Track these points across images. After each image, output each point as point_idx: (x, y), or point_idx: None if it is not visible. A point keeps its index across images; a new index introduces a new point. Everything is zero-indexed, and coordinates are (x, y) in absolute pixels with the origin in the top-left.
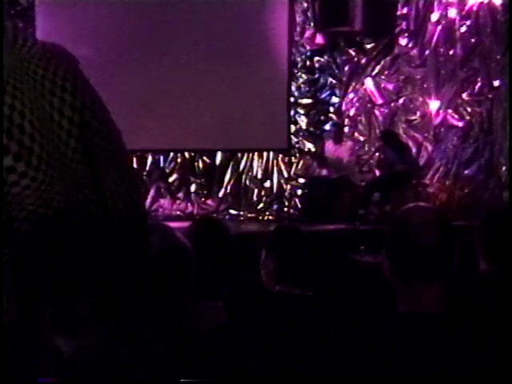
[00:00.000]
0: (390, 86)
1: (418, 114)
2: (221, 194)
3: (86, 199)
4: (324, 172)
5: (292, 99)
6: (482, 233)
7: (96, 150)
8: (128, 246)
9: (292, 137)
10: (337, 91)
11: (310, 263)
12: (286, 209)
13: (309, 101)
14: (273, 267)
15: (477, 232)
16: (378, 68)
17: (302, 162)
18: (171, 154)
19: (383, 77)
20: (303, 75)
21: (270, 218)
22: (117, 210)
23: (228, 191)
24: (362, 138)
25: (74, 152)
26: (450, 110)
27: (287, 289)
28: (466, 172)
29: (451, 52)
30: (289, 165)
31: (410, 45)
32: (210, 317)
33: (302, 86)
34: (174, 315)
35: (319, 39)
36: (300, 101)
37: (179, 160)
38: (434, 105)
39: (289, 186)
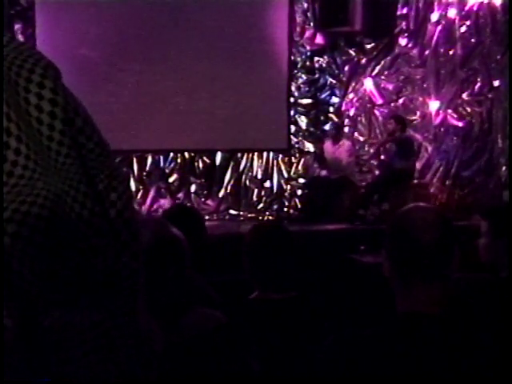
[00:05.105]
0: (390, 86)
1: (418, 114)
2: (221, 194)
3: (80, 194)
4: (324, 172)
5: (292, 99)
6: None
7: (84, 151)
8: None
9: (292, 137)
10: (337, 91)
11: (293, 264)
12: (285, 209)
13: (309, 101)
14: (249, 271)
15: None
16: (378, 68)
17: (301, 162)
18: (171, 154)
19: (383, 77)
20: (303, 75)
21: (270, 218)
22: (109, 214)
23: (228, 191)
24: (361, 138)
25: (59, 145)
26: (449, 110)
27: (265, 295)
28: (465, 172)
29: (451, 52)
30: (289, 165)
31: (409, 45)
32: (205, 319)
33: (302, 86)
34: (170, 310)
35: (319, 39)
36: (300, 101)
37: (179, 160)
38: (433, 105)
39: (289, 186)
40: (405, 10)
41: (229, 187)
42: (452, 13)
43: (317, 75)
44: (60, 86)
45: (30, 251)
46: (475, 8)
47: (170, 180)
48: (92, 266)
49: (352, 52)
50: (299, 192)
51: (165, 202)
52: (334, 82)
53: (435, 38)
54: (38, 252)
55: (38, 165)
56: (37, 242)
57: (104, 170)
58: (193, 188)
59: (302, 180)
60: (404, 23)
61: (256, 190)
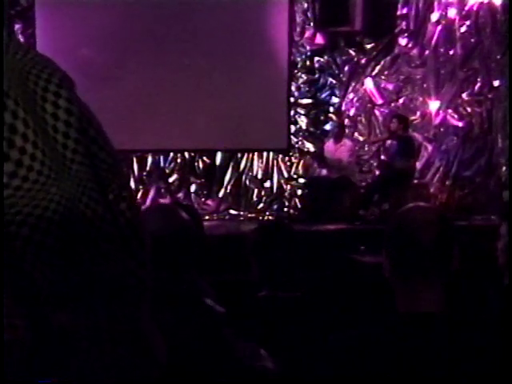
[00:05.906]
0: (390, 86)
1: (418, 114)
2: (221, 194)
3: (93, 201)
4: (324, 172)
5: (292, 99)
6: None
7: (96, 161)
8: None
9: (292, 137)
10: (337, 91)
11: (299, 264)
12: (286, 209)
13: (309, 101)
14: (257, 271)
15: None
16: (378, 68)
17: (301, 162)
18: (171, 154)
19: (383, 77)
20: (303, 75)
21: (270, 218)
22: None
23: (228, 191)
24: (361, 138)
25: (73, 153)
26: (450, 110)
27: (274, 294)
28: (465, 172)
29: (451, 52)
30: (289, 165)
31: (409, 45)
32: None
33: (302, 86)
34: (184, 298)
35: (319, 39)
36: (300, 101)
37: (179, 160)
38: (433, 105)
39: (289, 186)
40: (405, 10)
41: (229, 187)
42: (452, 13)
43: (317, 75)
44: (74, 96)
45: (41, 255)
46: (475, 8)
47: (170, 180)
48: (101, 272)
49: (352, 52)
50: (299, 192)
51: (165, 202)
52: (334, 81)
53: (435, 37)
54: (49, 256)
55: (53, 171)
56: (48, 245)
57: (115, 180)
58: (193, 188)
59: (302, 180)
60: (404, 23)
61: (256, 190)
